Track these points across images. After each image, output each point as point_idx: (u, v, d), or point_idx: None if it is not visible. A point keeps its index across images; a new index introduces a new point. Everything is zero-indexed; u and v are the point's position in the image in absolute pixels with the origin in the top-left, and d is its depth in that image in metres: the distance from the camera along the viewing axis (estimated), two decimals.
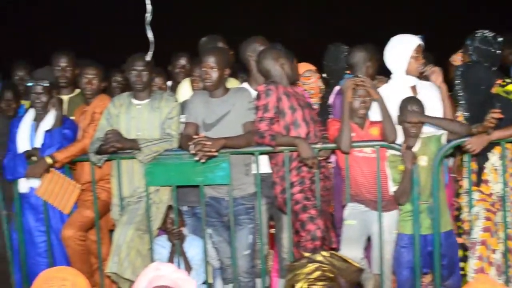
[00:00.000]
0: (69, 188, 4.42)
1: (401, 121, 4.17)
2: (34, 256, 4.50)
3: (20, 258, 4.49)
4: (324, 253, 2.86)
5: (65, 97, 4.87)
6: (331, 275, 2.77)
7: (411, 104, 4.15)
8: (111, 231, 4.60)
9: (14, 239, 4.51)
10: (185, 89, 5.01)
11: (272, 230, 4.78)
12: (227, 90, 4.34)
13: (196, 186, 4.29)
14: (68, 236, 4.28)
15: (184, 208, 4.60)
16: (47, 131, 4.40)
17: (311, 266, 2.79)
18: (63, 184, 4.40)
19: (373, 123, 4.29)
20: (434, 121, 4.19)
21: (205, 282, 4.45)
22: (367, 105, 4.23)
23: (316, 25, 13.15)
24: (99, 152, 4.24)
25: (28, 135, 4.48)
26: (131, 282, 4.14)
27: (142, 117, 4.34)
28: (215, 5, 13.10)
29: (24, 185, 4.44)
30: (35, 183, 4.39)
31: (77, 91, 4.89)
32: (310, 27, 13.11)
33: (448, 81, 4.70)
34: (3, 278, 4.56)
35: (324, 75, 5.39)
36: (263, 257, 4.46)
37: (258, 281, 4.55)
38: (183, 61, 5.43)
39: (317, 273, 2.76)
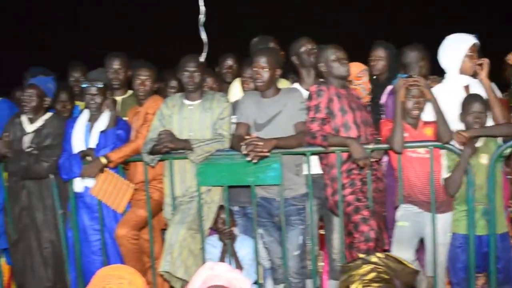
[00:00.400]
0: (122, 187, 4.48)
1: (463, 119, 4.11)
2: (89, 254, 4.57)
3: (75, 256, 4.57)
4: (379, 254, 2.82)
5: (117, 99, 4.94)
6: (386, 276, 2.73)
7: (472, 103, 4.09)
8: (163, 230, 4.66)
9: (69, 238, 4.59)
10: (235, 90, 5.03)
11: (322, 231, 4.76)
12: (278, 90, 4.34)
13: (247, 187, 4.30)
14: (122, 235, 4.34)
15: (235, 208, 4.62)
16: (102, 132, 4.48)
17: (366, 267, 2.75)
18: (117, 183, 4.47)
19: (426, 123, 4.23)
20: (482, 132, 4.10)
21: (255, 282, 4.45)
22: (421, 105, 4.17)
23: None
24: (152, 152, 4.29)
25: (83, 135, 4.55)
26: (183, 281, 4.19)
27: (194, 118, 4.37)
28: (268, 5, 13.11)
29: (79, 184, 4.51)
30: (89, 182, 4.46)
31: (130, 92, 4.96)
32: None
33: (502, 80, 4.61)
34: (59, 276, 4.66)
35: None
36: (314, 258, 4.44)
37: (309, 282, 4.53)
38: (230, 62, 5.45)
39: (372, 275, 2.72)
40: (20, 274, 4.71)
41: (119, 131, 4.52)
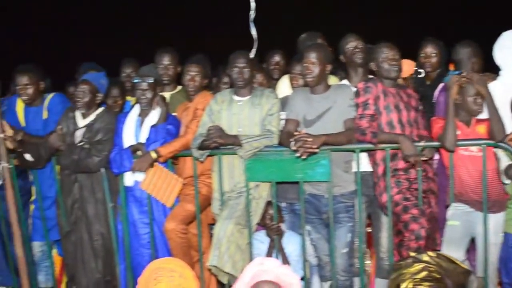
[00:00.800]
0: (171, 182, 4.53)
1: None
2: (138, 247, 4.64)
3: (125, 249, 4.65)
4: (430, 253, 2.78)
5: (167, 94, 5.00)
6: (437, 276, 2.69)
7: None
8: (211, 225, 4.70)
9: (119, 231, 4.66)
10: (284, 86, 5.02)
11: (369, 229, 4.72)
12: (328, 86, 4.32)
13: (296, 183, 4.30)
14: (171, 228, 4.39)
15: (283, 204, 4.62)
16: (152, 127, 4.54)
17: (417, 266, 2.72)
18: (166, 178, 4.51)
19: (479, 120, 4.14)
20: None
21: (302, 278, 4.45)
22: (480, 103, 4.08)
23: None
24: (201, 147, 4.32)
25: (133, 130, 4.61)
26: (230, 275, 4.21)
27: (243, 114, 4.39)
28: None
29: (129, 178, 4.58)
30: (139, 176, 4.52)
31: (179, 87, 5.01)
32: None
33: None
34: (108, 268, 4.74)
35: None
36: (362, 256, 4.41)
37: (356, 280, 4.51)
38: (277, 58, 5.45)
39: (424, 273, 2.69)
40: (71, 266, 4.80)
41: (169, 126, 4.57)
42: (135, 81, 4.61)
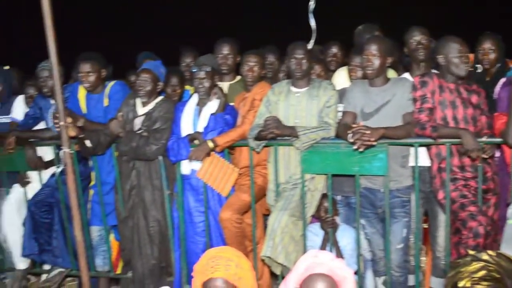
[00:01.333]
0: (227, 171, 4.55)
1: None
2: (193, 235, 4.69)
3: (180, 236, 4.71)
4: (490, 252, 2.71)
5: (226, 84, 5.03)
6: (497, 275, 2.62)
7: None
8: (266, 215, 4.71)
9: (175, 218, 4.73)
10: (340, 78, 4.98)
11: (425, 225, 4.64)
12: (387, 79, 4.25)
13: (351, 176, 4.26)
14: (226, 218, 4.41)
15: (338, 197, 4.59)
16: (212, 114, 4.57)
17: (476, 265, 2.66)
18: (222, 167, 4.55)
19: None
20: None
21: (356, 273, 4.41)
22: None
23: None
24: (257, 138, 4.33)
25: (191, 119, 4.66)
26: (283, 266, 4.21)
27: (300, 105, 4.37)
28: None
29: (186, 167, 4.63)
30: (196, 165, 4.57)
31: (238, 77, 5.03)
32: None
33: None
34: (164, 254, 4.81)
35: None
36: (418, 253, 4.34)
37: (411, 277, 4.44)
38: (335, 50, 5.39)
39: (482, 272, 2.62)
40: (128, 251, 4.90)
41: (227, 116, 4.59)
42: (193, 70, 4.65)
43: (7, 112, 5.47)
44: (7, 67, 5.66)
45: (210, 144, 4.42)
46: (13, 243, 5.31)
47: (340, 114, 4.39)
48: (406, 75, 4.56)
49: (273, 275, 4.68)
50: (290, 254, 4.19)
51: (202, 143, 4.46)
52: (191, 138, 4.56)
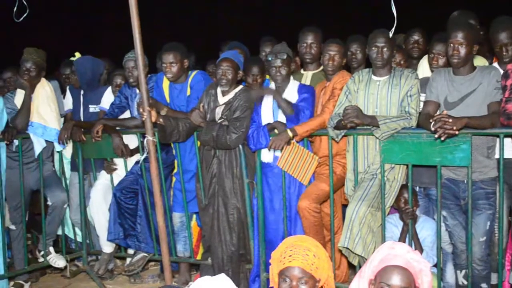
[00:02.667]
0: (307, 159, 4.56)
1: None
2: (272, 223, 4.74)
3: (259, 224, 4.75)
4: None
5: (309, 73, 5.03)
6: None
7: None
8: (344, 205, 4.68)
9: (254, 206, 4.78)
10: (424, 66, 4.86)
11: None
12: (473, 68, 4.11)
13: (431, 167, 4.17)
14: (304, 207, 4.42)
15: (416, 188, 4.50)
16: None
17: None
18: (302, 155, 4.55)
19: None
20: None
21: (435, 266, 4.32)
22: None
23: None
24: (337, 127, 4.31)
25: (271, 108, 4.68)
26: (361, 257, 4.18)
27: (381, 94, 4.31)
28: None
29: (266, 155, 4.67)
30: (276, 154, 4.60)
31: (322, 67, 5.00)
32: None
33: None
34: (242, 242, 4.88)
35: None
36: (502, 249, 4.18)
37: (494, 275, 4.30)
38: (416, 37, 5.27)
39: None
40: (208, 237, 5.00)
41: (302, 96, 4.57)
42: (269, 58, 4.67)
43: (97, 101, 5.66)
44: (77, 55, 5.85)
45: (290, 133, 4.43)
46: (100, 228, 5.53)
47: (422, 103, 4.29)
48: (495, 64, 4.39)
49: (350, 265, 4.65)
50: (368, 245, 4.15)
51: (282, 132, 4.47)
52: (270, 127, 4.59)
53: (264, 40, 5.75)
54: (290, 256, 2.83)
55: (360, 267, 4.26)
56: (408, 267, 2.67)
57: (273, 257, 2.95)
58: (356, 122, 4.18)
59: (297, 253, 2.83)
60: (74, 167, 5.73)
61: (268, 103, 4.72)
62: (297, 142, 4.52)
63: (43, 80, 5.39)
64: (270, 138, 4.54)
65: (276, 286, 2.94)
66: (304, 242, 2.90)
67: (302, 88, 4.69)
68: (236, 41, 5.87)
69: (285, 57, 4.62)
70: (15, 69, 5.58)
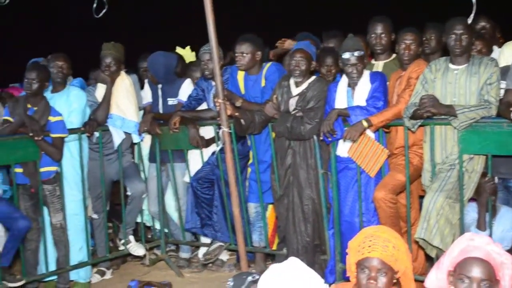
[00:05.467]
0: (377, 151, 4.51)
1: None
2: (347, 214, 4.71)
3: (334, 215, 4.74)
4: None
5: (380, 63, 4.96)
6: None
7: None
8: (421, 196, 4.60)
9: (329, 197, 4.78)
10: (507, 54, 4.71)
11: None
12: None
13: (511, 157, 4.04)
14: (380, 197, 4.38)
15: (495, 179, 4.38)
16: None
17: None
18: (372, 147, 4.51)
19: None
20: None
21: None
22: None
23: None
24: (413, 117, 4.23)
25: (345, 100, 4.64)
26: (438, 249, 4.10)
27: (459, 83, 4.21)
28: None
29: (340, 146, 4.65)
30: (349, 144, 4.57)
31: (393, 56, 4.93)
32: None
33: None
34: (317, 232, 4.88)
35: None
36: None
37: None
38: (483, 23, 5.10)
39: None
40: (283, 228, 5.03)
41: (373, 85, 4.52)
42: (344, 56, 4.59)
43: (175, 94, 5.78)
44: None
45: (365, 124, 4.38)
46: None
47: (502, 92, 4.16)
48: None
49: (427, 257, 4.57)
50: (445, 237, 4.07)
51: (356, 123, 4.43)
52: (344, 118, 4.55)
53: (327, 35, 5.70)
54: (369, 246, 2.80)
55: (437, 259, 4.19)
56: (488, 259, 2.60)
57: (351, 247, 2.94)
58: (432, 112, 4.10)
59: (377, 243, 2.80)
60: (152, 159, 5.88)
61: (341, 95, 4.69)
62: (373, 132, 4.48)
63: (123, 73, 5.56)
64: (345, 128, 4.52)
65: (353, 276, 2.93)
66: (383, 233, 2.87)
67: (372, 76, 4.62)
68: (305, 32, 5.86)
69: (361, 54, 4.56)
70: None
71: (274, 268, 2.74)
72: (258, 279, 2.93)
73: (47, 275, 5.21)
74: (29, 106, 4.98)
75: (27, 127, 4.82)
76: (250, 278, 2.94)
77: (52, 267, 5.22)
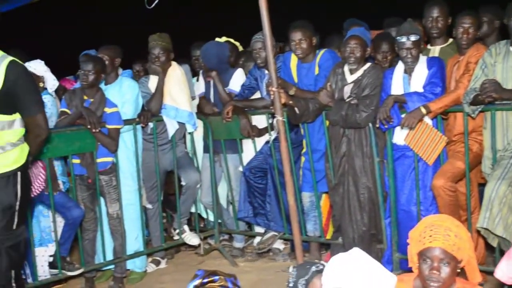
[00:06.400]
0: (435, 139, 4.41)
1: None
2: (404, 203, 4.63)
3: (391, 204, 4.67)
4: None
5: (437, 48, 4.85)
6: None
7: None
8: (481, 184, 4.49)
9: (386, 185, 4.70)
10: None
11: None
12: None
13: None
14: (439, 185, 4.29)
15: None
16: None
17: None
18: (430, 134, 4.41)
19: None
20: None
21: None
22: None
23: None
24: (473, 102, 4.12)
25: (401, 87, 4.55)
26: (501, 238, 3.99)
27: None
28: None
29: (397, 134, 4.56)
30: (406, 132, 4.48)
31: (450, 40, 4.82)
32: None
33: None
34: (373, 221, 4.81)
35: None
36: None
37: None
38: None
39: None
40: (338, 217, 4.98)
41: (430, 70, 4.42)
42: (400, 40, 4.50)
43: (226, 84, 5.77)
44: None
45: (423, 110, 4.29)
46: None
47: None
48: None
49: (488, 247, 4.46)
50: (509, 226, 3.95)
51: (415, 109, 4.33)
52: (399, 104, 4.46)
53: (390, 22, 5.59)
54: (430, 236, 2.74)
55: (500, 249, 4.09)
56: None
57: (412, 236, 2.88)
58: (494, 97, 3.98)
59: (438, 233, 2.74)
60: (205, 149, 5.89)
61: (397, 81, 4.60)
62: (431, 119, 4.38)
63: (174, 63, 5.58)
64: (402, 116, 4.43)
65: (415, 266, 2.87)
66: (444, 222, 2.80)
67: (430, 62, 4.52)
68: (354, 18, 5.77)
69: (417, 38, 4.46)
70: (142, 59, 5.78)
71: (339, 259, 2.71)
72: (322, 268, 2.90)
73: (105, 264, 5.30)
74: (85, 97, 5.05)
75: (84, 119, 4.89)
76: (314, 268, 2.91)
77: (109, 256, 5.30)
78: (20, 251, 3.62)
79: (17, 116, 3.56)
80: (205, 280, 2.93)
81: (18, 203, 3.55)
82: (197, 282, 2.94)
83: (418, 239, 2.80)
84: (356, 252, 2.73)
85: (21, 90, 3.47)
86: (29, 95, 3.53)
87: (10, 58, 3.50)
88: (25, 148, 3.63)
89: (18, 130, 3.59)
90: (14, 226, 3.56)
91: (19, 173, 3.57)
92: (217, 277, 2.92)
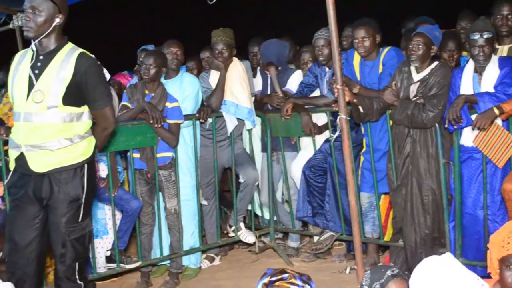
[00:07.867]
0: (506, 141, 4.27)
1: None
2: (470, 207, 4.49)
3: (456, 207, 4.53)
4: None
5: (505, 47, 4.71)
6: None
7: None
8: None
9: (451, 188, 4.56)
10: None
11: None
12: None
13: None
14: (509, 189, 4.13)
15: None
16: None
17: None
18: (501, 136, 4.27)
19: None
20: None
21: None
22: None
23: None
24: None
25: (471, 87, 4.42)
26: None
27: None
28: None
29: (465, 136, 4.43)
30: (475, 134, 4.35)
31: None
32: None
33: None
34: (437, 225, 4.68)
35: None
36: None
37: None
38: None
39: None
40: (399, 219, 4.85)
41: (505, 79, 4.26)
42: (473, 37, 4.37)
43: (284, 83, 5.73)
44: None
45: (496, 111, 4.14)
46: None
47: None
48: None
49: None
50: None
51: (487, 110, 4.19)
52: (469, 104, 4.32)
53: (463, 14, 5.44)
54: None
55: None
56: None
57: (493, 242, 2.77)
58: None
59: None
60: (262, 148, 5.85)
61: (467, 81, 4.46)
62: (503, 121, 4.23)
63: (236, 60, 5.55)
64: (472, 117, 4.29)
65: (495, 272, 2.77)
66: None
67: (502, 62, 4.37)
68: (425, 15, 5.64)
69: (490, 35, 4.31)
70: (211, 49, 5.74)
71: (429, 263, 2.62)
72: (397, 273, 2.81)
73: (162, 260, 5.28)
74: (146, 92, 5.05)
75: (147, 114, 4.89)
76: (389, 272, 2.81)
77: (166, 251, 5.29)
78: (84, 243, 3.65)
79: (85, 109, 3.57)
80: (274, 278, 2.87)
81: (84, 195, 3.57)
82: (266, 280, 2.89)
83: (500, 244, 2.69)
84: (448, 257, 2.63)
85: (90, 82, 3.48)
86: (98, 88, 3.53)
87: (80, 50, 3.51)
88: (92, 141, 3.64)
89: (86, 122, 3.60)
90: (80, 219, 3.58)
91: (86, 165, 3.58)
92: (286, 275, 2.86)
